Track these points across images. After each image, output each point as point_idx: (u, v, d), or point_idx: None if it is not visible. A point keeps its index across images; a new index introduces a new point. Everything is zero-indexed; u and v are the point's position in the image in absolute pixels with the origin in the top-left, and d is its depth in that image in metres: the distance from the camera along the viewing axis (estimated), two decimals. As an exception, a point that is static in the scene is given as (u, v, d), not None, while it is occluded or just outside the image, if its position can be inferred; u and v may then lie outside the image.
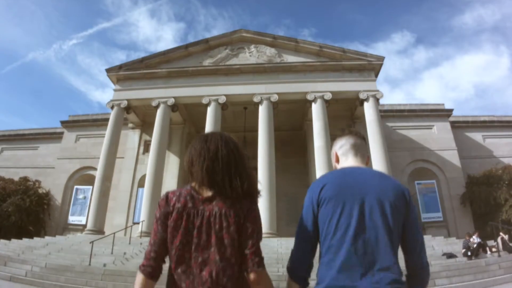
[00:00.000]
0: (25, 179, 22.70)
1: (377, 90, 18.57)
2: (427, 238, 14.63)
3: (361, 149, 2.00)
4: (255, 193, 1.74)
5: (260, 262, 1.63)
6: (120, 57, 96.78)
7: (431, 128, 23.29)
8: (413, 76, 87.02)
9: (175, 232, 1.64)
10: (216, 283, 1.56)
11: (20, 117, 79.92)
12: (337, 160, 2.03)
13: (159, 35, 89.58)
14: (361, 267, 1.60)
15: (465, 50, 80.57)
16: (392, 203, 1.69)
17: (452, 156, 22.20)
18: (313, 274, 1.74)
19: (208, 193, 1.69)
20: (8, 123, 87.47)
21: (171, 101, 19.11)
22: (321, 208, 1.73)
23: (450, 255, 11.52)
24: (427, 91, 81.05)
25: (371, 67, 19.22)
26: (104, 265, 11.75)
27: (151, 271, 1.67)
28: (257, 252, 1.64)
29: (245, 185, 1.69)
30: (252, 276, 1.61)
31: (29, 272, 10.19)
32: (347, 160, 1.96)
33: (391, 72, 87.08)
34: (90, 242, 12.36)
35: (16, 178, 22.69)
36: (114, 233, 14.33)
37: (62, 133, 25.44)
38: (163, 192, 15.87)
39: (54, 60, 79.85)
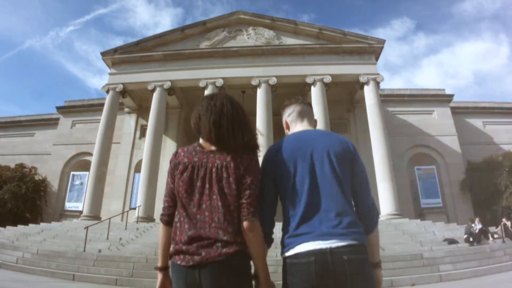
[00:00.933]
0: (21, 166, 22.45)
1: (378, 74, 18.25)
2: (427, 224, 14.47)
3: (308, 114, 2.15)
4: (255, 148, 1.90)
5: (254, 212, 1.75)
6: (118, 43, 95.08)
7: (432, 114, 23.08)
8: (412, 63, 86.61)
9: (180, 182, 1.81)
10: (218, 226, 1.72)
11: (17, 105, 79.51)
12: (288, 127, 2.16)
13: (157, 20, 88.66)
14: (318, 215, 1.73)
15: (465, 38, 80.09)
16: (338, 155, 1.84)
17: (452, 142, 22.01)
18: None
19: (211, 148, 1.86)
20: (6, 111, 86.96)
21: (167, 85, 18.76)
22: (277, 170, 1.85)
23: (452, 241, 11.30)
24: (426, 78, 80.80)
25: (371, 50, 18.86)
26: (99, 250, 11.54)
27: (167, 219, 1.89)
28: (253, 203, 1.76)
29: (247, 139, 1.85)
30: (245, 224, 1.74)
31: (20, 259, 9.96)
32: (296, 126, 2.09)
33: (390, 59, 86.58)
34: (85, 228, 12.14)
35: (12, 165, 22.45)
36: (109, 219, 14.14)
37: (58, 119, 25.12)
38: (160, 177, 15.70)
39: (51, 47, 79.08)
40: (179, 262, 1.73)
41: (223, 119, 1.84)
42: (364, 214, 1.89)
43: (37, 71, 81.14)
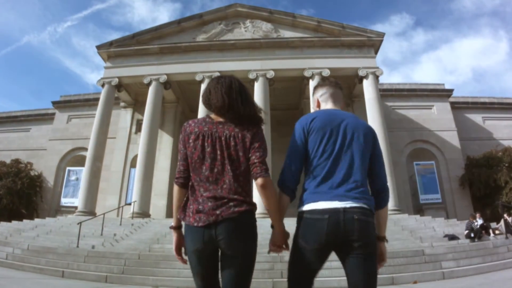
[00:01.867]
0: (16, 161, 22.23)
1: (377, 67, 17.99)
2: (427, 220, 14.26)
3: (339, 97, 2.35)
4: (260, 120, 2.10)
5: (267, 170, 1.96)
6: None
7: (431, 108, 22.88)
8: (411, 59, 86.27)
9: (193, 149, 2.00)
10: (228, 188, 1.93)
11: (15, 101, 78.97)
12: (318, 106, 2.36)
13: (155, 16, 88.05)
14: (338, 179, 1.96)
15: (464, 34, 79.74)
16: (364, 136, 2.08)
17: (451, 137, 21.82)
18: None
19: (220, 119, 2.06)
20: (3, 108, 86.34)
21: (163, 78, 18.47)
22: (310, 135, 2.07)
23: (452, 237, 11.07)
24: (425, 74, 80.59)
25: (370, 44, 18.58)
26: (93, 246, 11.32)
27: (183, 181, 2.07)
28: (265, 162, 1.97)
29: (253, 112, 2.07)
30: (259, 180, 1.93)
31: (10, 255, 9.70)
32: (327, 105, 2.30)
33: (389, 55, 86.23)
34: (78, 223, 11.89)
35: (8, 161, 22.21)
36: (103, 214, 13.89)
37: (54, 114, 24.87)
38: (155, 172, 15.49)
39: (49, 43, 78.50)
40: (195, 224, 1.91)
41: (232, 91, 2.06)
42: (377, 190, 2.12)
43: (35, 67, 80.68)
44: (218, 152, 1.96)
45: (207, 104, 2.15)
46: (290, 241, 2.07)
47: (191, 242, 1.93)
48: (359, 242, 1.84)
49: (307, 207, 1.95)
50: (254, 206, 1.98)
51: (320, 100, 2.34)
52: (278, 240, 2.04)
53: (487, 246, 9.79)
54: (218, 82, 2.10)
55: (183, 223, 2.05)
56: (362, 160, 2.02)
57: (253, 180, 1.98)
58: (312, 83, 17.68)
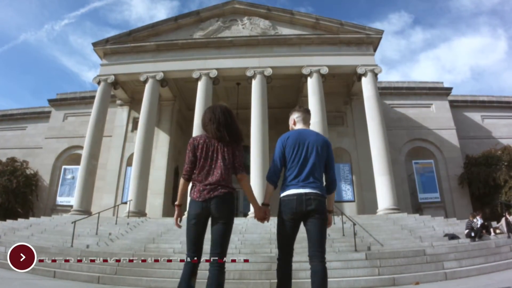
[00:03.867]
0: (12, 160, 21.93)
1: (376, 65, 17.82)
2: (426, 219, 14.08)
3: (307, 119, 3.46)
4: (241, 140, 3.22)
5: (243, 169, 3.13)
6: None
7: (430, 107, 22.76)
8: (409, 58, 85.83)
9: (200, 153, 3.08)
10: (219, 177, 3.00)
11: (12, 99, 78.29)
12: (294, 123, 3.45)
13: (152, 13, 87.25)
14: (303, 177, 3.08)
15: (462, 32, 79.37)
16: (321, 148, 3.18)
17: (450, 136, 21.69)
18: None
19: (214, 139, 3.14)
20: (0, 106, 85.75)
21: (160, 76, 18.26)
22: (286, 149, 3.18)
23: (452, 236, 10.90)
24: (423, 73, 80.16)
25: (369, 41, 18.39)
26: (87, 246, 11.12)
27: (187, 177, 3.12)
28: (242, 166, 3.14)
29: (236, 138, 3.17)
30: (238, 176, 3.12)
31: (2, 254, 9.38)
32: (299, 124, 3.41)
33: (387, 53, 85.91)
34: (72, 222, 11.68)
35: (3, 159, 21.92)
36: (98, 213, 13.68)
37: (50, 112, 24.60)
38: (152, 171, 15.31)
39: (46, 41, 77.70)
40: (197, 199, 2.99)
41: (222, 127, 3.11)
42: (328, 182, 3.32)
43: (32, 65, 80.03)
44: (215, 155, 3.07)
45: (205, 131, 3.22)
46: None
47: (194, 209, 3.00)
48: (315, 212, 2.99)
49: (284, 193, 3.11)
50: (233, 189, 3.09)
51: (296, 121, 3.44)
52: (258, 214, 3.23)
53: (489, 246, 9.57)
54: (211, 119, 3.14)
55: (187, 199, 3.15)
56: (319, 164, 3.15)
57: (235, 175, 3.13)
58: (310, 81, 17.51)
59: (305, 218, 3.01)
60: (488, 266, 7.84)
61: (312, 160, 3.10)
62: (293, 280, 3.09)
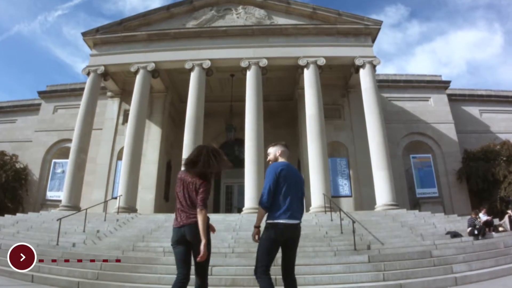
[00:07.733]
0: (1, 154, 21.25)
1: (374, 56, 17.28)
2: (426, 215, 13.65)
3: (287, 153, 3.98)
4: (209, 176, 3.58)
5: (203, 206, 3.42)
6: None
7: (428, 100, 22.42)
8: (405, 51, 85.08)
9: (178, 187, 3.61)
10: (187, 209, 3.47)
11: (5, 91, 76.79)
12: (279, 155, 3.90)
13: (147, 4, 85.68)
14: (292, 207, 3.59)
15: (458, 26, 78.72)
16: (300, 182, 3.84)
17: (448, 130, 21.35)
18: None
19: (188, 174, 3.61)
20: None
21: (151, 66, 17.57)
22: (278, 179, 3.62)
23: (455, 234, 10.43)
24: (419, 66, 79.54)
25: (367, 32, 17.83)
26: (73, 244, 10.53)
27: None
28: (203, 202, 3.44)
29: (209, 175, 3.60)
30: (198, 210, 3.41)
31: (-13, 254, 8.89)
32: (282, 158, 3.89)
33: (383, 46, 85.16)
34: (57, 220, 11.12)
35: (-7, 153, 21.21)
36: (86, 209, 13.09)
37: (40, 104, 23.86)
38: (143, 165, 14.73)
39: (39, 33, 76.06)
40: (175, 226, 3.51)
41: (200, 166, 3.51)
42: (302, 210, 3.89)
43: (25, 57, 78.43)
44: (185, 190, 3.51)
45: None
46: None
47: (175, 235, 3.46)
48: (294, 240, 3.62)
49: (275, 221, 3.49)
50: (197, 220, 3.35)
51: (281, 153, 3.86)
52: (203, 249, 3.28)
53: (498, 246, 9.10)
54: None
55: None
56: (301, 196, 3.76)
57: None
58: (307, 72, 16.94)
59: (287, 243, 3.59)
60: (499, 270, 7.31)
61: (297, 193, 3.66)
62: None
